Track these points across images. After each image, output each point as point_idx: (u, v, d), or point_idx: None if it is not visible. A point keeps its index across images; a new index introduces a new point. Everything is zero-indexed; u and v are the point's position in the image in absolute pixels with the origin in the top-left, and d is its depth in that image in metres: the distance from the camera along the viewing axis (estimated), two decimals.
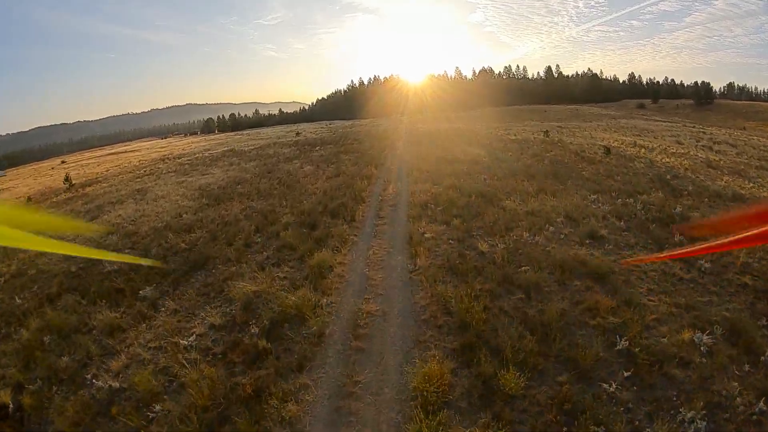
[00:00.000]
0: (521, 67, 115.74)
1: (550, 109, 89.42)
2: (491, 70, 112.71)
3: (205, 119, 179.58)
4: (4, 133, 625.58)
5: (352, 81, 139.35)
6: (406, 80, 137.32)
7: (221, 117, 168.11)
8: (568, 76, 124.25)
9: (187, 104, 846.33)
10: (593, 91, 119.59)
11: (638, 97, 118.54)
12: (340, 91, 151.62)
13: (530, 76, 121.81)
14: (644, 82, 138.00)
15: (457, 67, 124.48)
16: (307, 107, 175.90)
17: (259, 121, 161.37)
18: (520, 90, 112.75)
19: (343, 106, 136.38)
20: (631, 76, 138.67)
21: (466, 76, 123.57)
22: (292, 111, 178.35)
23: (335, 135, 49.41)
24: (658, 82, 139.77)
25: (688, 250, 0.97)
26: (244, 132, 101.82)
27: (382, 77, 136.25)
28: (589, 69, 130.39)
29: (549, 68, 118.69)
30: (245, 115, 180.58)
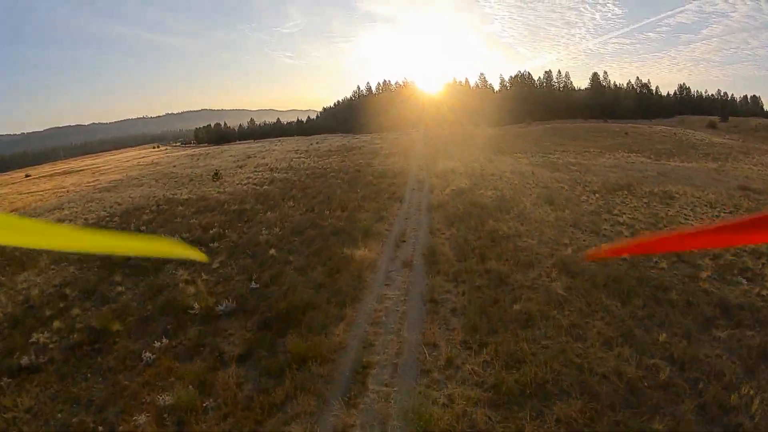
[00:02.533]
0: (563, 73, 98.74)
1: (622, 130, 71.39)
2: (529, 77, 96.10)
3: (197, 127, 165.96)
4: (18, 132, 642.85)
5: (358, 87, 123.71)
6: (421, 88, 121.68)
7: (210, 126, 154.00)
8: (617, 86, 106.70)
9: (202, 109, 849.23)
10: (644, 105, 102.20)
11: (692, 113, 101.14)
12: (345, 99, 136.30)
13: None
14: (693, 95, 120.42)
15: (481, 74, 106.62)
16: (316, 116, 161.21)
17: (250, 132, 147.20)
18: (564, 102, 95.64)
19: (348, 116, 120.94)
20: (682, 87, 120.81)
21: (491, 85, 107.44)
22: (300, 120, 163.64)
23: (284, 186, 32.78)
24: (712, 95, 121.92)
25: (651, 240, 0.80)
26: (223, 146, 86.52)
27: (393, 83, 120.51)
28: (638, 79, 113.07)
29: (595, 76, 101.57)
30: (243, 125, 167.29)
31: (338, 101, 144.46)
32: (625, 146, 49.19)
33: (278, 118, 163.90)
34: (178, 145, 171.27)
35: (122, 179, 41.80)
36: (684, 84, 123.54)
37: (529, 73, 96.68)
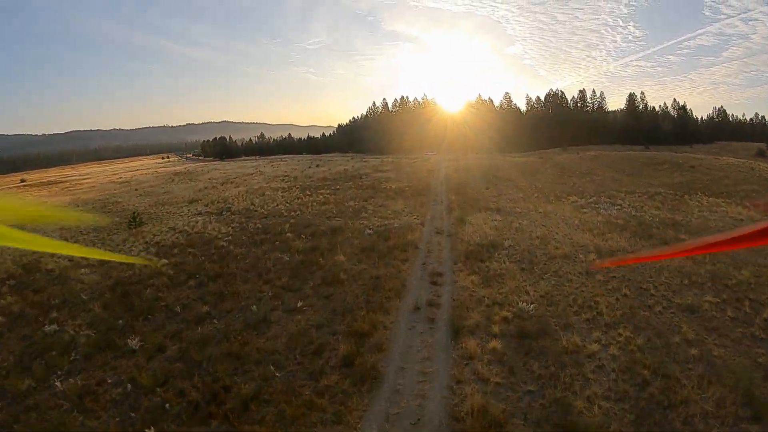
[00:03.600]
0: (597, 93, 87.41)
1: (685, 162, 60.03)
2: (563, 97, 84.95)
3: (205, 140, 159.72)
4: (40, 133, 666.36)
5: (373, 104, 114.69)
6: (441, 106, 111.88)
7: (216, 139, 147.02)
8: (654, 109, 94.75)
9: (222, 121, 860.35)
10: (681, 129, 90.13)
11: (730, 138, 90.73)
12: (360, 116, 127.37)
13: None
14: (731, 119, 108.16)
15: (506, 93, 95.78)
16: (330, 134, 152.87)
17: (258, 147, 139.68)
18: (600, 126, 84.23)
19: (362, 135, 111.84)
20: (719, 111, 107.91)
21: (516, 105, 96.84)
22: (312, 136, 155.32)
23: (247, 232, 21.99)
24: (750, 120, 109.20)
25: (655, 254, 0.90)
26: (223, 162, 77.69)
27: (410, 99, 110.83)
28: (675, 101, 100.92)
29: (632, 97, 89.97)
30: (253, 139, 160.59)
31: (354, 118, 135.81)
32: (702, 187, 37.37)
33: (290, 134, 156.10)
34: (189, 157, 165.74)
35: (73, 200, 37.70)
36: (721, 107, 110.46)
37: (562, 93, 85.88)
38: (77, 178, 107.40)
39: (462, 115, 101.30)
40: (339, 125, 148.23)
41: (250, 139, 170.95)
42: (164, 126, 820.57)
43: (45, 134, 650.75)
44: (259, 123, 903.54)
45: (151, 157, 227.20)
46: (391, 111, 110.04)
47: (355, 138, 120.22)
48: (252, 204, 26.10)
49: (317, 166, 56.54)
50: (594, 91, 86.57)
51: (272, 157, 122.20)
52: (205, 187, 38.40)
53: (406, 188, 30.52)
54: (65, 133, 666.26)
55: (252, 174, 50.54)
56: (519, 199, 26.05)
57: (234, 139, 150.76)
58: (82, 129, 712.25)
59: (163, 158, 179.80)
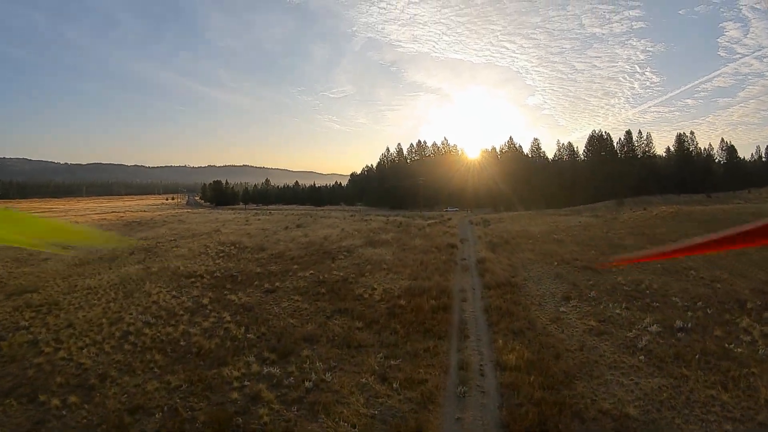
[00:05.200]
0: (644, 134, 72.72)
1: None
2: (609, 140, 70.35)
3: (205, 183, 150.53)
4: (63, 162, 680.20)
5: (387, 150, 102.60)
6: (464, 152, 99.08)
7: (212, 183, 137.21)
8: (701, 151, 79.20)
9: (243, 165, 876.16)
10: (731, 173, 74.38)
11: None
12: (372, 166, 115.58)
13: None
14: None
15: (535, 139, 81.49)
16: (336, 183, 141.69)
17: (259, 194, 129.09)
18: (649, 172, 69.21)
19: (373, 186, 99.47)
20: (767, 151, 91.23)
21: (544, 152, 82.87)
22: (319, 185, 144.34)
23: None
24: None
25: (667, 250, 0.90)
26: (212, 210, 65.32)
27: (429, 144, 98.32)
28: (722, 140, 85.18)
29: (681, 138, 75.10)
30: (255, 185, 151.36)
31: (367, 166, 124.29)
32: None
33: (297, 181, 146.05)
34: (196, 200, 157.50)
35: None
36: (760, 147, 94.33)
37: (608, 135, 71.64)
38: (60, 211, 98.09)
39: (488, 163, 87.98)
40: (352, 174, 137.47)
41: (255, 185, 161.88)
42: (185, 166, 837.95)
43: (68, 163, 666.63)
44: (281, 169, 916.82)
45: (159, 196, 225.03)
46: (407, 158, 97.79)
47: (367, 189, 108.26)
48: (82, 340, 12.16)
49: (297, 226, 42.93)
50: (640, 133, 72.20)
51: (269, 207, 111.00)
52: (98, 259, 24.89)
53: (403, 298, 16.12)
54: (87, 164, 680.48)
55: (209, 233, 37.32)
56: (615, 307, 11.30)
57: (230, 184, 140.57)
58: (104, 162, 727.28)
59: (167, 199, 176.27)
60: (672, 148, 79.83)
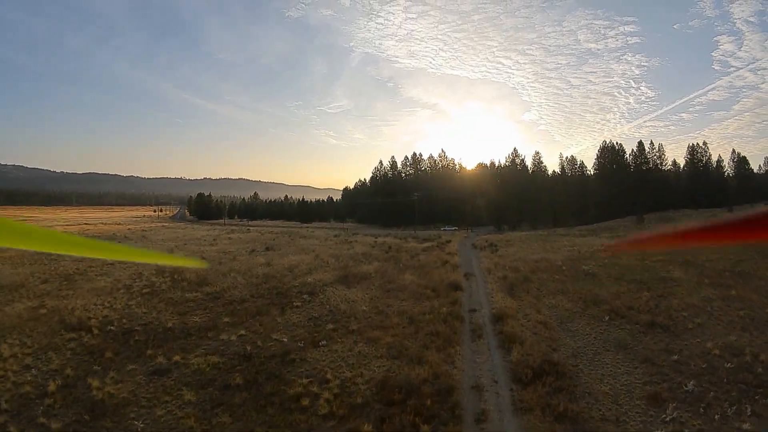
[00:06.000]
0: (656, 145, 66.11)
1: None
2: (621, 151, 63.08)
3: (191, 196, 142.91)
4: (59, 170, 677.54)
5: (380, 163, 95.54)
6: (462, 166, 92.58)
7: (196, 197, 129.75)
8: (717, 164, 72.69)
9: (239, 178, 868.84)
10: (744, 185, 68.16)
11: None
12: (365, 180, 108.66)
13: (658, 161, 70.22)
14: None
15: (537, 153, 74.54)
16: (327, 198, 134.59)
17: (247, 210, 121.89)
18: (662, 185, 62.63)
19: (366, 203, 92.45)
20: None
21: (545, 166, 76.06)
22: (307, 200, 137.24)
23: None
24: None
25: (661, 235, 0.79)
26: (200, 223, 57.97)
27: (425, 157, 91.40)
28: (733, 151, 78.83)
29: (694, 150, 68.63)
30: (244, 199, 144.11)
31: (360, 180, 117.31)
32: None
33: (286, 195, 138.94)
34: (180, 214, 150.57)
35: None
36: None
37: (621, 146, 64.87)
38: (37, 221, 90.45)
39: (488, 178, 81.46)
40: (345, 188, 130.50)
41: (244, 199, 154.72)
42: (181, 178, 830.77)
43: (64, 172, 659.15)
44: (277, 183, 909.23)
45: (149, 208, 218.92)
46: (401, 172, 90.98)
47: (358, 205, 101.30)
48: None
49: (267, 249, 35.78)
50: (652, 144, 65.73)
51: (253, 222, 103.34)
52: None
53: (371, 413, 8.94)
54: (83, 173, 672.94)
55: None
56: None
57: (214, 198, 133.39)
58: (100, 172, 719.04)
59: (154, 211, 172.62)
60: (678, 161, 73.90)
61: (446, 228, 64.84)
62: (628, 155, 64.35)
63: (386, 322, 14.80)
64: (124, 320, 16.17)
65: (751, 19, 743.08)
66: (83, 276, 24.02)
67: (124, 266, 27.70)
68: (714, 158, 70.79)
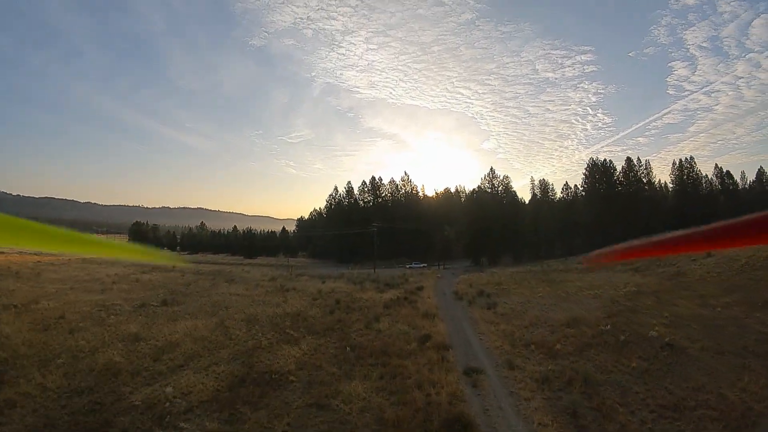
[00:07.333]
0: (643, 162, 60.25)
1: None
2: (611, 168, 55.78)
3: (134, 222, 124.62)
4: (15, 194, 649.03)
5: (335, 190, 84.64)
6: (425, 192, 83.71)
7: (133, 225, 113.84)
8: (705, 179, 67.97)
9: (198, 208, 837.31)
10: (731, 201, 64.06)
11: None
12: (321, 209, 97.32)
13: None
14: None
15: (505, 176, 65.89)
16: (282, 229, 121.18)
17: (191, 242, 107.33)
18: (649, 205, 56.07)
19: (321, 235, 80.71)
20: (760, 173, 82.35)
21: (515, 191, 68.09)
22: (256, 231, 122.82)
23: None
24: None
25: (641, 245, 0.81)
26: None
27: (386, 182, 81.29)
28: (716, 166, 74.68)
29: (682, 165, 63.38)
30: (190, 229, 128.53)
31: (316, 209, 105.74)
32: None
33: (235, 226, 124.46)
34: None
35: None
36: (762, 168, 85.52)
37: (611, 162, 58.04)
38: None
39: (459, 206, 72.37)
40: (300, 218, 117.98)
41: (191, 229, 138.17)
42: (139, 206, 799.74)
43: (20, 195, 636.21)
44: (236, 213, 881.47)
45: (100, 236, 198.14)
46: (359, 199, 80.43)
47: (313, 237, 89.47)
48: None
49: (163, 303, 23.62)
50: (639, 160, 59.74)
51: (192, 256, 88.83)
52: None
53: None
54: (39, 197, 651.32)
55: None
56: None
57: (150, 225, 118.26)
58: (57, 197, 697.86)
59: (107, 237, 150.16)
60: (662, 180, 68.71)
61: (413, 265, 54.32)
62: (619, 172, 57.37)
63: None
64: None
65: (704, 45, 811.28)
66: None
67: None
68: (667, 179, 66.42)
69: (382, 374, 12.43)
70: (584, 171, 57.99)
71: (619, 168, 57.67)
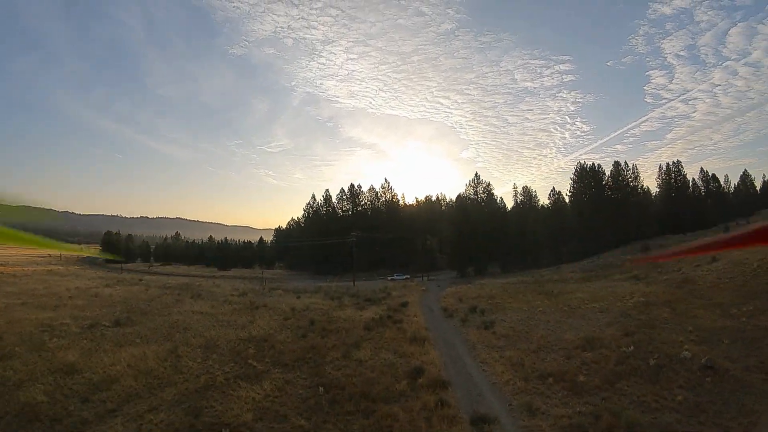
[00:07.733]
0: (630, 165, 59.54)
1: None
2: (600, 171, 54.21)
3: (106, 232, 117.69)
4: None
5: (313, 198, 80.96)
6: (405, 200, 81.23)
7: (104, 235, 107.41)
8: (692, 183, 67.84)
9: (177, 218, 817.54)
10: (718, 205, 64.06)
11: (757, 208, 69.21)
12: (298, 218, 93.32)
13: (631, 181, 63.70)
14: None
15: (488, 183, 63.46)
16: (260, 239, 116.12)
17: (165, 251, 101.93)
18: (637, 208, 54.92)
19: (298, 245, 76.93)
20: (744, 176, 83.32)
21: (497, 198, 66.31)
22: (232, 241, 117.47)
23: None
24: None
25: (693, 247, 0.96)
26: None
27: (365, 189, 78.13)
28: (702, 170, 73.93)
29: (669, 170, 62.83)
30: (165, 239, 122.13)
31: (293, 219, 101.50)
32: None
33: (210, 235, 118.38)
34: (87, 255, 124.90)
35: None
36: (747, 172, 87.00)
37: (599, 167, 56.41)
38: None
39: (442, 213, 70.04)
40: (277, 228, 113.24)
41: (165, 238, 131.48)
42: (117, 215, 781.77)
43: None
44: (215, 223, 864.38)
45: (73, 246, 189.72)
46: (337, 208, 77.14)
47: (292, 246, 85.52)
48: None
49: (116, 323, 19.91)
50: (626, 163, 58.70)
51: (165, 268, 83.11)
52: None
53: None
54: (17, 206, 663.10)
55: None
56: None
57: (124, 235, 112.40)
58: (34, 206, 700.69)
59: (82, 249, 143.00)
60: (645, 185, 68.12)
61: (396, 276, 51.31)
62: (608, 177, 56.00)
63: None
64: None
65: (682, 53, 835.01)
66: None
67: None
68: (650, 183, 66.11)
69: (364, 428, 9.41)
70: (572, 176, 56.70)
71: (608, 173, 56.52)
